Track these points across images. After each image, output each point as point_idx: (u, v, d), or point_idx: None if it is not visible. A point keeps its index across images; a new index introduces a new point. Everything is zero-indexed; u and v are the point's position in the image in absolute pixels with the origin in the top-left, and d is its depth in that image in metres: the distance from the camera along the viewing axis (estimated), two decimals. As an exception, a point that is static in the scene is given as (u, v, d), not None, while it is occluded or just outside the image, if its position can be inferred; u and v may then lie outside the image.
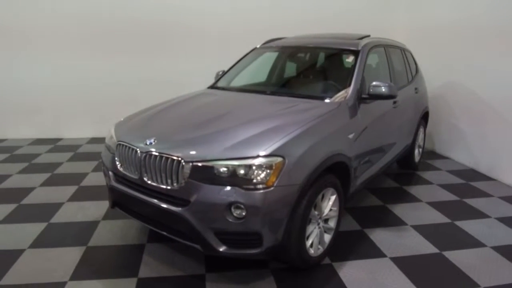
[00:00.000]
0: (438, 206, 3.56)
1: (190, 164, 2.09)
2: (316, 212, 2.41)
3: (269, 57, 3.90)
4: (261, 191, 2.01)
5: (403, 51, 4.29)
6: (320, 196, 2.39)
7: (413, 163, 4.51)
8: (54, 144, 5.42)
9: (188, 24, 5.65)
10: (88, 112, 5.75)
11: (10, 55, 5.39)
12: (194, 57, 5.71)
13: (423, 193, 3.87)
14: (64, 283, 2.30)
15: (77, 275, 2.38)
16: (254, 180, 2.03)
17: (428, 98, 4.73)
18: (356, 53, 3.19)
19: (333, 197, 2.56)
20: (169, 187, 2.17)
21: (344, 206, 2.90)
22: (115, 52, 5.60)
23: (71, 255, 2.60)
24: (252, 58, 3.83)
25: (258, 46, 3.92)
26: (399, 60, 4.11)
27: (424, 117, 4.59)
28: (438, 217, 3.33)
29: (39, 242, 2.76)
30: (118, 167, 2.48)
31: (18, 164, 4.49)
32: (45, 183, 3.91)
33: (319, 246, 2.53)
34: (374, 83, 2.88)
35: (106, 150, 2.70)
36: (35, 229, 2.95)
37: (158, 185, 2.22)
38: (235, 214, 2.04)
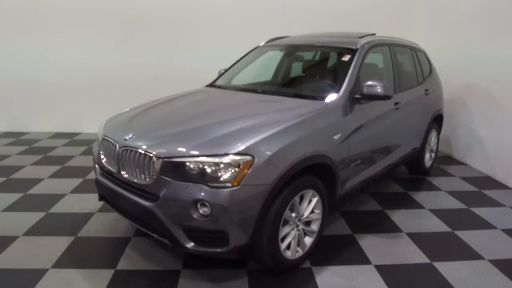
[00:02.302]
0: (441, 214, 3.36)
1: (161, 160, 2.11)
2: (293, 214, 2.35)
3: (271, 56, 3.86)
4: (227, 189, 1.99)
5: (414, 51, 4.09)
6: (297, 198, 2.33)
7: (424, 168, 4.29)
8: (72, 138, 5.68)
9: (205, 22, 5.75)
10: (106, 107, 5.93)
11: (32, 55, 5.73)
12: (213, 55, 5.72)
13: (428, 199, 3.68)
14: (46, 270, 2.40)
15: (59, 264, 2.48)
16: (221, 178, 2.01)
17: (443, 101, 4.49)
18: (353, 51, 3.08)
19: (315, 199, 2.48)
20: (142, 182, 2.21)
21: (333, 209, 2.83)
22: (133, 50, 5.81)
23: (59, 244, 2.71)
24: (254, 57, 3.81)
25: (260, 45, 3.90)
26: (407, 60, 3.93)
27: (437, 120, 4.35)
28: (438, 226, 3.15)
29: (34, 230, 2.90)
30: (103, 162, 2.55)
31: (33, 156, 4.74)
32: (54, 175, 4.11)
33: (298, 249, 2.47)
34: (368, 82, 2.77)
35: (96, 145, 2.79)
36: (33, 218, 3.10)
37: (132, 180, 2.26)
38: (201, 212, 2.04)
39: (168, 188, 2.08)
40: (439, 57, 5.13)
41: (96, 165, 2.67)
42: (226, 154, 2.04)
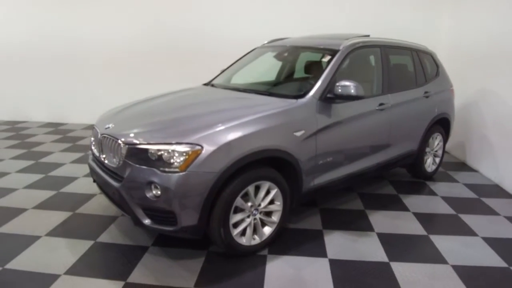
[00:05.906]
0: (424, 218, 3.30)
1: (127, 146, 2.41)
2: (249, 203, 2.53)
3: (267, 57, 4.02)
4: (174, 174, 2.24)
5: (416, 53, 4.00)
6: (251, 188, 2.50)
7: (424, 173, 4.18)
8: (101, 130, 6.29)
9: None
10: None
11: (70, 51, 6.44)
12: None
13: (416, 203, 3.61)
14: (39, 237, 2.83)
15: (51, 233, 2.89)
16: (171, 164, 2.26)
17: (451, 104, 4.31)
18: (334, 52, 3.16)
19: (274, 191, 2.63)
20: (113, 165, 2.53)
21: (301, 203, 2.94)
22: (153, 51, 6.30)
23: (58, 217, 3.14)
24: (253, 57, 4.00)
25: (259, 46, 4.08)
26: (404, 62, 3.88)
27: (442, 124, 4.21)
28: (414, 229, 3.11)
29: (41, 205, 3.38)
30: (93, 147, 2.93)
31: (64, 144, 5.37)
32: (75, 161, 4.65)
33: (256, 237, 2.64)
34: (340, 82, 2.85)
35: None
36: (45, 195, 3.59)
37: (108, 163, 2.60)
38: (153, 192, 2.30)
39: (130, 171, 2.38)
40: (457, 62, 4.96)
41: (90, 151, 3.05)
42: (178, 143, 2.29)
